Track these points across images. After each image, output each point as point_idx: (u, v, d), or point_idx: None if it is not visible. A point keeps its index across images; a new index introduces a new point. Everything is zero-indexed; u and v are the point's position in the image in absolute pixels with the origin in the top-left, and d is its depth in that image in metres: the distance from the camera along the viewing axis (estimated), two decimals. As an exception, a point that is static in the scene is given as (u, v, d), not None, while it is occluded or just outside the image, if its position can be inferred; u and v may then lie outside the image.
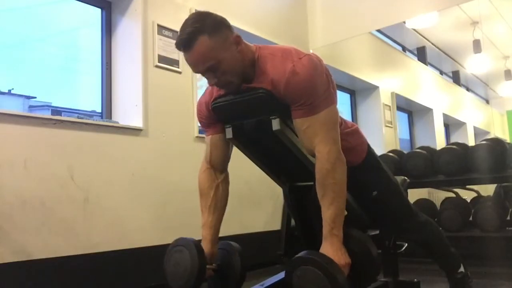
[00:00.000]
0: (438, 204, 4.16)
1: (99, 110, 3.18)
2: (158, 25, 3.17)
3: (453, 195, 4.29)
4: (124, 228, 2.76)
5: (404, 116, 6.94)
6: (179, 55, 3.28)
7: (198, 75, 3.51)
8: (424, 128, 6.97)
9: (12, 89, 2.94)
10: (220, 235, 1.62)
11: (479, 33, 6.26)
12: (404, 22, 5.25)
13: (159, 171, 3.02)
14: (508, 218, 3.83)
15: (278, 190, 1.76)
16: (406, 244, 1.93)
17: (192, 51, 1.35)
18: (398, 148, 5.46)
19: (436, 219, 3.55)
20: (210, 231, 1.58)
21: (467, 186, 4.22)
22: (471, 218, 3.66)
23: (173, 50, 3.25)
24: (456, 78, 8.37)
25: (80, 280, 2.50)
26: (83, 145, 2.64)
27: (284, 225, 1.76)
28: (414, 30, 6.41)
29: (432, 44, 7.07)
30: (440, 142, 6.61)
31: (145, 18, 3.11)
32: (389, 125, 5.74)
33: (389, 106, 5.85)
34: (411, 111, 7.03)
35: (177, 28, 3.49)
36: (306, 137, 1.40)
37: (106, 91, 3.16)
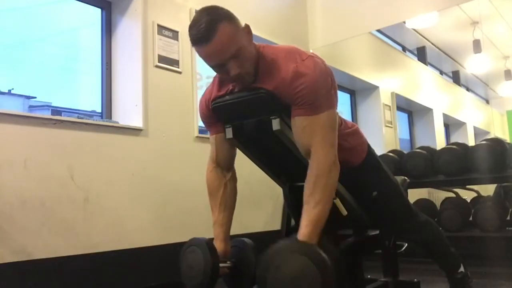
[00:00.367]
0: (438, 204, 4.16)
1: (99, 110, 3.18)
2: (158, 25, 3.17)
3: (453, 195, 4.29)
4: (124, 228, 2.76)
5: (404, 116, 6.94)
6: (179, 55, 3.28)
7: (199, 76, 3.52)
8: (424, 128, 6.96)
9: (12, 89, 2.94)
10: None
11: (479, 33, 6.25)
12: (404, 22, 5.25)
13: (159, 171, 3.02)
14: (508, 218, 3.83)
15: (278, 190, 1.76)
16: (406, 244, 1.93)
17: (215, 40, 1.30)
18: (398, 148, 5.46)
19: (436, 219, 3.55)
20: (221, 229, 1.58)
21: (467, 186, 4.22)
22: (471, 218, 3.65)
23: (173, 50, 3.25)
24: (456, 78, 8.36)
25: (80, 280, 2.50)
26: (83, 145, 2.64)
27: (284, 225, 1.76)
28: (414, 30, 6.40)
29: (432, 44, 7.06)
30: (440, 142, 6.60)
31: (145, 18, 3.11)
32: (389, 125, 5.74)
33: (389, 106, 5.85)
34: (411, 111, 7.02)
35: (177, 28, 3.49)
36: (304, 136, 1.38)
37: (106, 91, 3.16)
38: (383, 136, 5.57)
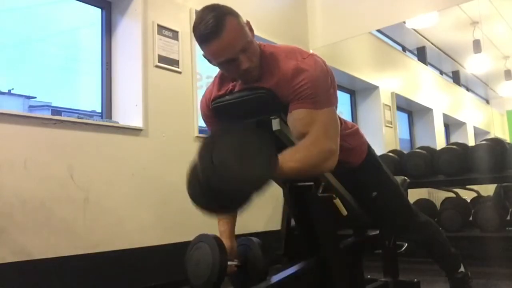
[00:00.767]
0: (438, 204, 4.16)
1: (99, 110, 3.18)
2: (158, 25, 3.17)
3: (453, 195, 4.29)
4: (124, 228, 2.76)
5: (404, 116, 6.94)
6: (179, 55, 3.28)
7: (199, 76, 3.52)
8: (424, 128, 6.96)
9: (12, 89, 2.94)
10: (220, 235, 1.62)
11: (479, 33, 6.25)
12: (404, 22, 5.25)
13: (159, 171, 3.02)
14: (508, 218, 3.82)
15: (278, 190, 1.75)
16: (406, 244, 1.93)
17: (225, 34, 1.29)
18: (398, 148, 5.45)
19: (436, 219, 3.55)
20: (227, 226, 1.58)
21: (467, 186, 4.22)
22: (471, 218, 3.65)
23: (173, 50, 3.25)
24: (456, 78, 8.37)
25: (80, 280, 2.49)
26: (83, 145, 2.64)
27: (284, 225, 1.75)
28: (414, 30, 6.40)
29: (432, 44, 7.06)
30: (440, 142, 6.60)
31: (145, 18, 3.11)
32: (389, 125, 5.74)
33: (389, 106, 5.85)
34: (411, 111, 7.02)
35: (177, 28, 3.48)
36: (302, 124, 1.35)
37: (106, 91, 3.16)
38: (383, 136, 5.57)
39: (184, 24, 3.33)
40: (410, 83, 6.73)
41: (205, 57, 1.42)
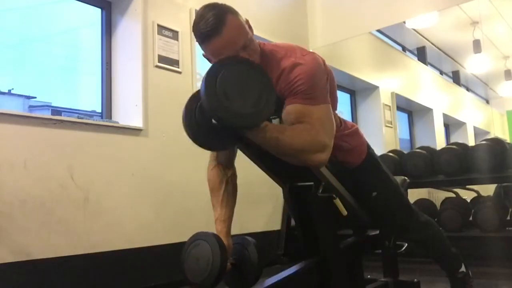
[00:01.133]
0: (438, 204, 4.16)
1: (99, 110, 3.18)
2: (158, 25, 3.17)
3: (453, 195, 4.29)
4: (124, 228, 2.76)
5: (404, 116, 6.94)
6: (179, 55, 3.28)
7: (198, 76, 3.51)
8: (424, 128, 6.97)
9: (12, 89, 2.94)
10: (220, 235, 1.62)
11: (479, 33, 6.26)
12: (404, 22, 5.25)
13: (159, 171, 3.02)
14: (508, 218, 3.82)
15: (278, 190, 1.75)
16: (406, 244, 1.92)
17: (226, 31, 1.29)
18: (398, 148, 5.46)
19: (436, 219, 3.55)
20: (224, 225, 1.57)
21: (467, 186, 4.21)
22: (471, 218, 3.65)
23: (173, 50, 3.25)
24: (456, 78, 8.37)
25: (80, 280, 2.50)
26: (83, 145, 2.64)
27: (284, 225, 1.76)
28: (414, 30, 6.40)
29: (432, 44, 7.07)
30: (440, 142, 6.61)
31: (145, 18, 3.11)
32: (389, 125, 5.74)
33: (389, 106, 5.85)
34: (411, 111, 7.03)
35: (177, 28, 3.48)
36: (296, 116, 1.35)
37: (106, 91, 3.16)
38: (383, 136, 5.57)
39: (184, 24, 3.33)
40: (410, 83, 6.73)
41: (205, 56, 1.42)
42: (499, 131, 8.55)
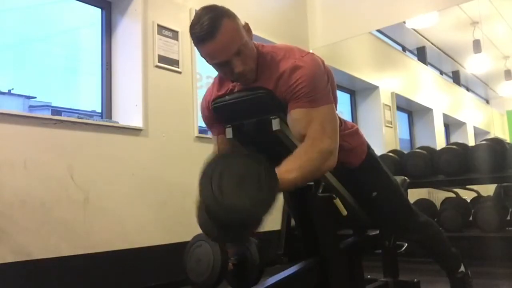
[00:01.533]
0: (438, 204, 4.16)
1: (99, 110, 3.18)
2: (158, 25, 3.17)
3: (453, 195, 4.29)
4: (124, 228, 2.76)
5: (404, 116, 6.94)
6: (179, 55, 3.28)
7: (198, 76, 3.51)
8: (424, 128, 6.97)
9: (12, 89, 2.94)
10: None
11: (479, 33, 6.26)
12: (404, 22, 5.25)
13: (159, 171, 3.02)
14: (508, 218, 3.82)
15: (278, 190, 1.75)
16: (406, 244, 1.92)
17: (219, 36, 1.29)
18: (398, 148, 5.46)
19: (436, 219, 3.55)
20: None
21: (467, 186, 4.21)
22: (471, 218, 3.65)
23: (173, 50, 3.25)
24: (456, 78, 8.37)
25: (80, 280, 2.50)
26: (83, 145, 2.64)
27: (284, 225, 1.75)
28: (414, 30, 6.41)
29: (432, 44, 7.07)
30: (440, 142, 6.61)
31: (145, 18, 3.11)
32: (389, 125, 5.75)
33: (389, 106, 5.85)
34: (411, 111, 7.03)
35: (177, 28, 3.48)
36: (301, 124, 1.36)
37: (106, 91, 3.16)
38: (383, 136, 5.57)
39: (184, 24, 3.33)
40: (410, 83, 6.73)
41: (202, 56, 1.43)
42: (499, 131, 8.55)
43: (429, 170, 3.60)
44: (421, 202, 4.04)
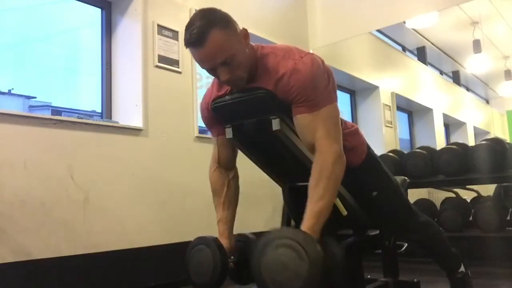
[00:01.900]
0: (438, 204, 4.16)
1: (99, 110, 3.18)
2: (158, 25, 3.17)
3: (453, 195, 4.29)
4: (124, 228, 2.76)
5: (404, 116, 6.94)
6: (179, 55, 3.28)
7: (198, 76, 3.51)
8: (424, 128, 6.97)
9: (12, 89, 2.94)
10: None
11: (479, 33, 6.26)
12: (404, 22, 5.25)
13: (159, 171, 3.02)
14: (508, 218, 3.82)
15: (278, 190, 1.76)
16: (406, 244, 1.92)
17: (207, 45, 1.32)
18: (398, 148, 5.46)
19: (436, 219, 3.55)
20: (226, 226, 1.61)
21: (467, 186, 4.22)
22: (471, 218, 3.65)
23: (173, 50, 3.25)
24: (456, 78, 8.37)
25: (80, 280, 2.50)
26: (83, 145, 2.64)
27: (284, 225, 1.76)
28: (414, 30, 6.41)
29: (432, 44, 7.07)
30: (440, 142, 6.61)
31: (145, 18, 3.11)
32: (389, 125, 5.75)
33: (389, 106, 5.85)
34: (411, 111, 7.03)
35: (177, 28, 3.49)
36: (307, 132, 1.38)
37: (106, 91, 3.16)
38: (383, 136, 5.57)
39: (184, 24, 3.25)
40: (410, 83, 6.73)
41: None
42: (499, 131, 8.55)
43: (429, 170, 3.60)
44: (421, 202, 4.04)
